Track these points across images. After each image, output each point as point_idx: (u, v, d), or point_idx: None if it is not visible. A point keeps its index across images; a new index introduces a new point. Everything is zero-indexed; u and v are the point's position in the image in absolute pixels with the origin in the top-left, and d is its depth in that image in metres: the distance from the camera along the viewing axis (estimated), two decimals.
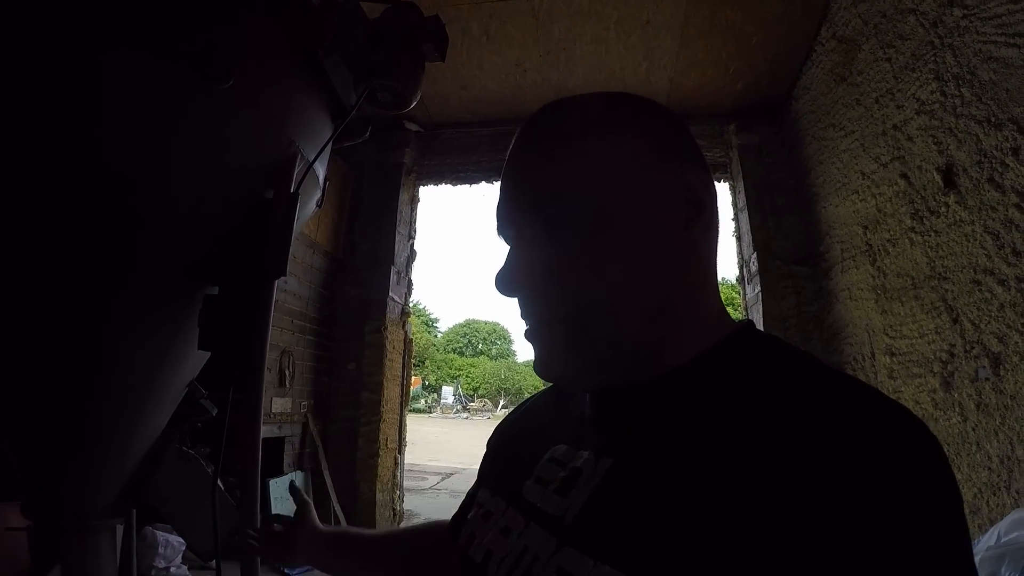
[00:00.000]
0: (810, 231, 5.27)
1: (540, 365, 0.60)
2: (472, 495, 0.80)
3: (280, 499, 5.00)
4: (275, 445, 5.16)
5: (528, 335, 0.60)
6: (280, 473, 5.17)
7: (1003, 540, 1.77)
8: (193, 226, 1.41)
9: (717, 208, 0.60)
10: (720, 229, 0.63)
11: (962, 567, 0.40)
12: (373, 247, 6.32)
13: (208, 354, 1.58)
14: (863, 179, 4.10)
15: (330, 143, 1.86)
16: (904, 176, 3.52)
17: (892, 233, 3.74)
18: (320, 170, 1.87)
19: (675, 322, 0.57)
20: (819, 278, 5.13)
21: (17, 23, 1.03)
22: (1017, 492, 2.54)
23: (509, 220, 0.61)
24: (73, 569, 1.33)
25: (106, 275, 1.30)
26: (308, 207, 1.92)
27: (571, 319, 0.56)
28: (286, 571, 4.40)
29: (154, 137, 1.26)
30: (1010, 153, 2.52)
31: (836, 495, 0.40)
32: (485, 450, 0.83)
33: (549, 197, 0.56)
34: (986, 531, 1.93)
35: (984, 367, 2.80)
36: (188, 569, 4.19)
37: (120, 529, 1.45)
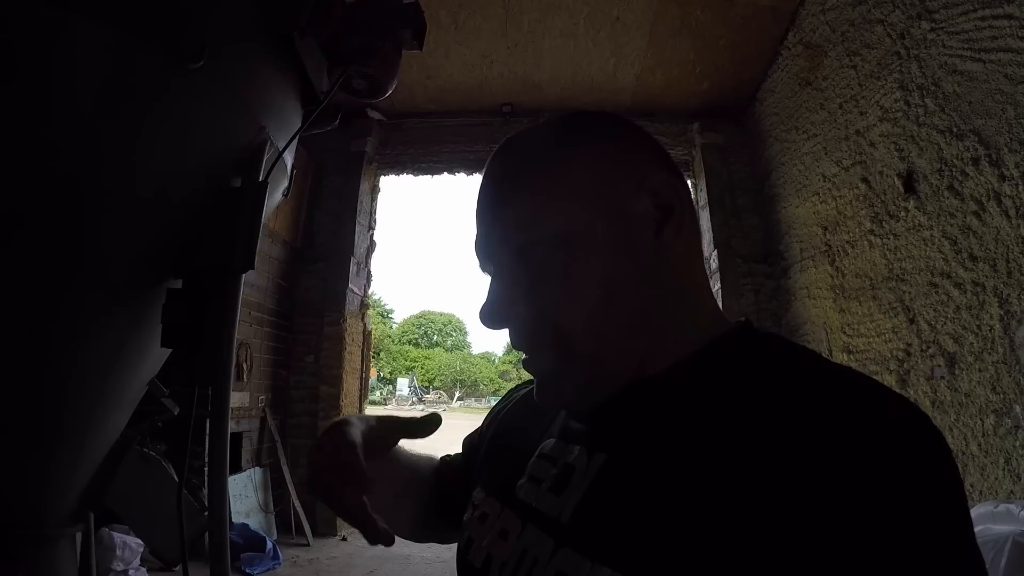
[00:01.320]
0: (770, 230, 5.39)
1: (538, 393, 0.60)
2: (467, 443, 0.83)
3: (238, 496, 4.87)
4: (233, 441, 5.02)
5: (524, 364, 0.61)
6: (239, 470, 5.03)
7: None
8: (155, 214, 1.33)
9: (690, 207, 0.59)
10: (698, 226, 0.62)
11: (970, 556, 0.40)
12: (333, 237, 6.19)
13: (170, 351, 1.50)
14: (824, 181, 4.21)
15: (300, 130, 1.79)
16: (865, 180, 3.62)
17: (851, 235, 3.84)
18: (289, 158, 1.79)
19: (660, 329, 0.57)
20: (778, 276, 5.25)
21: None
22: (971, 486, 2.65)
23: (487, 254, 0.61)
24: None
25: (56, 265, 1.20)
26: (275, 196, 1.84)
27: (556, 345, 0.56)
28: (246, 570, 4.30)
29: (117, 117, 1.17)
30: (971, 163, 2.61)
31: (839, 490, 0.38)
32: (481, 426, 0.83)
33: (517, 228, 0.57)
34: None
35: (940, 366, 2.90)
36: (147, 571, 4.04)
37: (79, 536, 1.37)
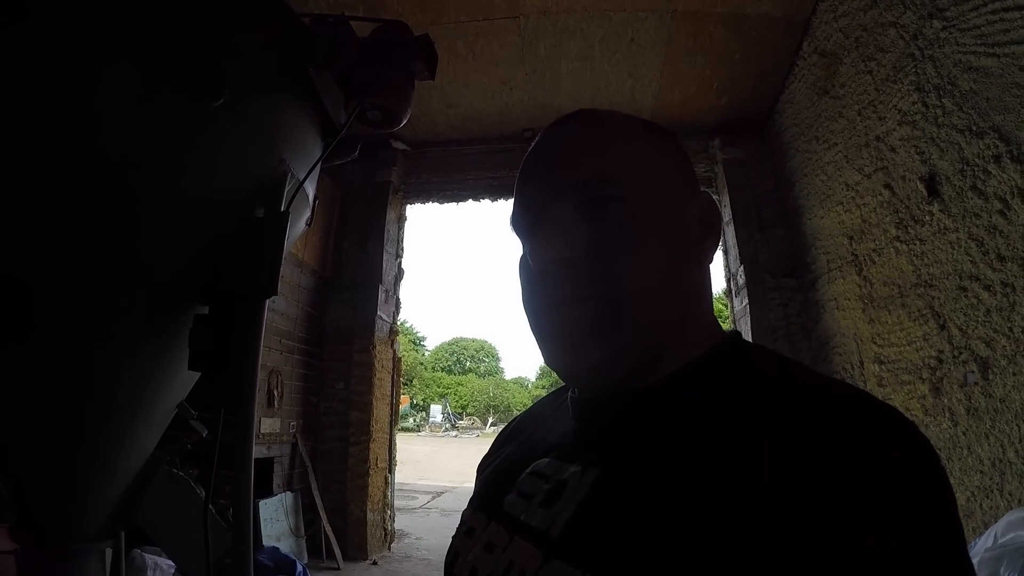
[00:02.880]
0: (796, 243, 5.33)
1: (559, 347, 0.58)
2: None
3: (269, 520, 4.92)
4: (265, 466, 5.09)
5: (557, 312, 0.58)
6: (270, 494, 5.09)
7: (1000, 541, 1.77)
8: (182, 244, 1.40)
9: (721, 236, 0.63)
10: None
11: (960, 564, 0.40)
12: (361, 266, 6.30)
13: (198, 374, 1.56)
14: (847, 190, 4.16)
15: (320, 162, 1.85)
16: (888, 186, 3.57)
17: (877, 243, 3.78)
18: (310, 188, 1.86)
19: (681, 325, 0.59)
20: (806, 289, 5.18)
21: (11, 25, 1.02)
22: (1010, 494, 2.56)
23: (537, 204, 0.61)
24: None
25: (92, 293, 1.28)
26: (298, 226, 1.91)
27: (605, 298, 0.55)
28: None
29: (145, 154, 1.24)
30: (992, 160, 2.57)
31: (828, 500, 0.39)
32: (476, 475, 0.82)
33: (602, 180, 0.57)
34: (982, 533, 1.94)
35: (972, 372, 2.83)
36: None
37: (109, 553, 1.41)
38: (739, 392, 0.51)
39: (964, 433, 2.91)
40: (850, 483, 0.39)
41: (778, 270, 5.45)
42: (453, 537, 0.66)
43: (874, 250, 3.84)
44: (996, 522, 1.94)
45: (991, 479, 2.70)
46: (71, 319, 1.25)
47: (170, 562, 3.88)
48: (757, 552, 0.39)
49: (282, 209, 1.60)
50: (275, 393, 5.16)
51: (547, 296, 0.58)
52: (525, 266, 0.62)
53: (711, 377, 0.55)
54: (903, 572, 0.37)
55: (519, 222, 0.63)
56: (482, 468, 0.78)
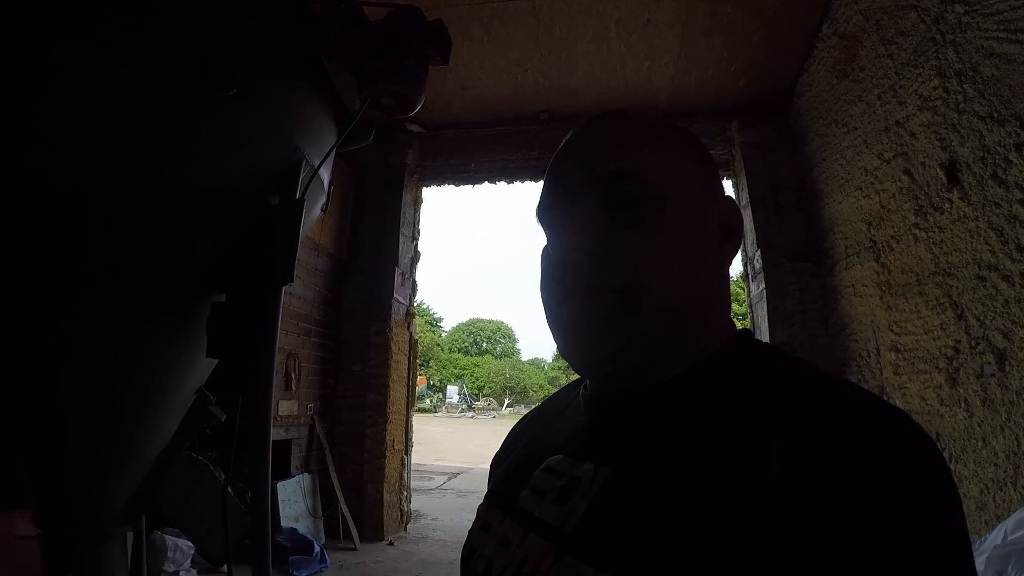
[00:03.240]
0: (813, 228, 5.27)
1: (573, 337, 0.60)
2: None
3: (287, 502, 5.02)
4: (282, 448, 5.18)
5: (573, 303, 0.59)
6: (288, 475, 5.19)
7: (1010, 539, 1.76)
8: (198, 233, 1.42)
9: (742, 243, 0.65)
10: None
11: (963, 566, 0.41)
12: (377, 249, 6.32)
13: (216, 361, 1.59)
14: (866, 175, 4.10)
15: (334, 149, 1.86)
16: (907, 172, 3.52)
17: (896, 229, 3.73)
18: (325, 175, 1.87)
19: (697, 325, 0.60)
20: (823, 275, 5.13)
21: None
22: (1023, 488, 2.54)
23: (562, 197, 0.63)
24: None
25: (110, 281, 1.31)
26: (313, 212, 1.92)
27: (624, 292, 0.56)
28: (293, 572, 4.42)
29: (159, 146, 1.26)
30: (1013, 149, 2.52)
31: (837, 498, 0.40)
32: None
33: (630, 178, 0.59)
34: (992, 528, 1.93)
35: (989, 363, 2.80)
36: (198, 573, 4.21)
37: (130, 536, 1.46)
38: (752, 392, 0.52)
39: (979, 424, 2.89)
40: (859, 483, 0.40)
41: (795, 255, 5.40)
42: (469, 531, 0.68)
43: (892, 237, 3.79)
44: (1008, 517, 1.93)
45: (1005, 472, 2.68)
46: (88, 309, 1.28)
47: (190, 543, 3.99)
48: (766, 551, 0.40)
49: (297, 196, 1.62)
50: (292, 376, 5.23)
51: (564, 285, 0.60)
52: (547, 257, 0.64)
53: (724, 377, 0.56)
54: (907, 572, 0.38)
55: (544, 214, 0.65)
56: (496, 463, 0.80)
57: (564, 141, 0.66)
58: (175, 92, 1.23)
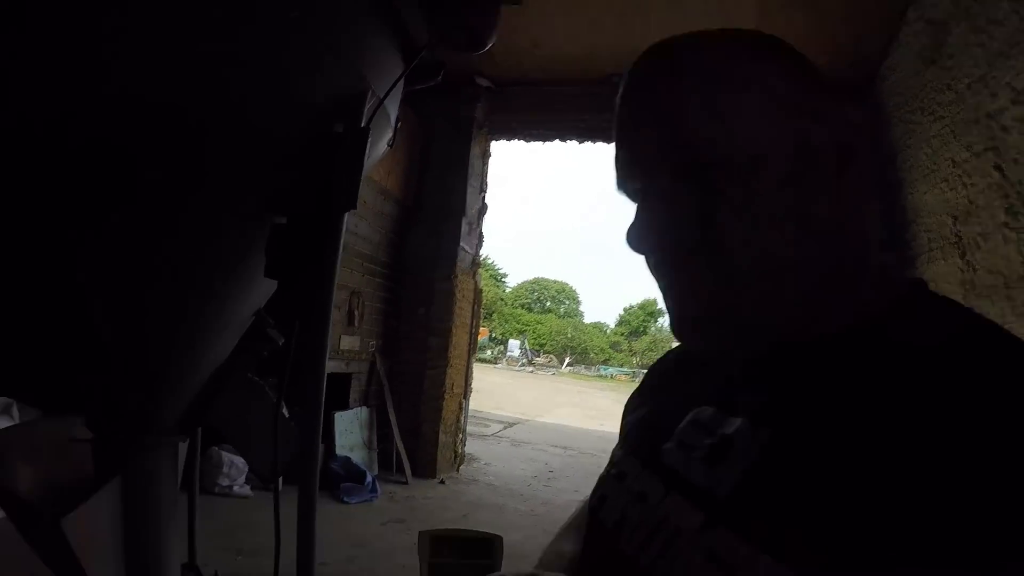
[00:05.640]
0: (895, 217, 5.00)
1: (669, 302, 0.55)
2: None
3: (344, 432, 5.21)
4: (342, 381, 5.36)
5: (657, 270, 0.55)
6: (346, 407, 5.38)
7: None
8: (261, 154, 1.42)
9: (870, 151, 0.53)
10: (874, 174, 0.55)
11: None
12: (444, 197, 6.37)
13: (275, 284, 1.61)
14: (953, 167, 3.83)
15: (402, 79, 1.82)
16: (998, 168, 3.25)
17: (984, 227, 3.46)
18: (392, 109, 1.83)
19: (830, 281, 0.51)
20: (905, 266, 4.85)
21: None
22: None
23: (632, 173, 0.56)
24: (133, 482, 1.39)
25: (174, 192, 1.31)
26: (379, 146, 1.89)
27: (707, 251, 0.51)
28: (344, 498, 4.61)
29: (221, 65, 1.25)
30: None
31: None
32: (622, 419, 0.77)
33: (689, 147, 0.51)
34: None
35: None
36: (251, 489, 4.47)
37: (184, 448, 1.51)
38: (930, 358, 0.43)
39: None
40: None
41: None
42: (601, 477, 0.63)
43: (980, 234, 3.52)
44: None
45: None
46: (157, 213, 1.30)
47: (245, 461, 4.22)
48: (950, 540, 0.34)
49: (362, 125, 1.60)
50: (356, 313, 5.37)
51: (659, 274, 0.55)
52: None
53: (897, 333, 0.47)
54: None
55: (622, 187, 0.58)
56: (631, 407, 0.74)
57: (620, 93, 0.58)
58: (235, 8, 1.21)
